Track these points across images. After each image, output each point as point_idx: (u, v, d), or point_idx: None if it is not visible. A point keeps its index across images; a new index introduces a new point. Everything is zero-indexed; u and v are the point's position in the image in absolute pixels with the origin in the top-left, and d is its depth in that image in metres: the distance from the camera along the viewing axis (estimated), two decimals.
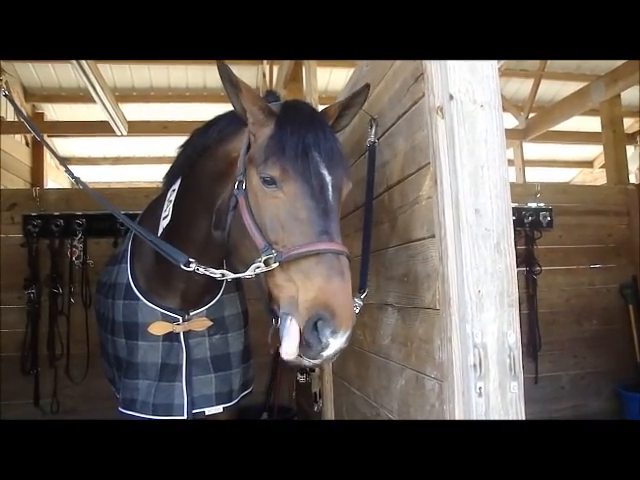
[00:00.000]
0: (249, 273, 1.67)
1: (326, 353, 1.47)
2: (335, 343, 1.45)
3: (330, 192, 1.64)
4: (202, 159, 2.06)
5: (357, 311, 1.79)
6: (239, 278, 1.82)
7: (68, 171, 2.26)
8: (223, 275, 1.86)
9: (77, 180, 2.25)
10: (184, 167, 2.19)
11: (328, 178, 1.65)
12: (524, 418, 1.45)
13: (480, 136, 1.50)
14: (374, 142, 2.08)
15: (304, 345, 1.48)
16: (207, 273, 1.86)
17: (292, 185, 1.61)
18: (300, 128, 1.67)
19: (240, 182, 1.77)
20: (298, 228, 1.59)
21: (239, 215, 1.77)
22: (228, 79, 1.73)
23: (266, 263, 1.60)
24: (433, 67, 1.58)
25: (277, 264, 1.57)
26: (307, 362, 1.55)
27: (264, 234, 1.66)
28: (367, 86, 1.97)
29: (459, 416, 1.47)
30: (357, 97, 1.97)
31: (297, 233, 1.58)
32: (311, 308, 1.46)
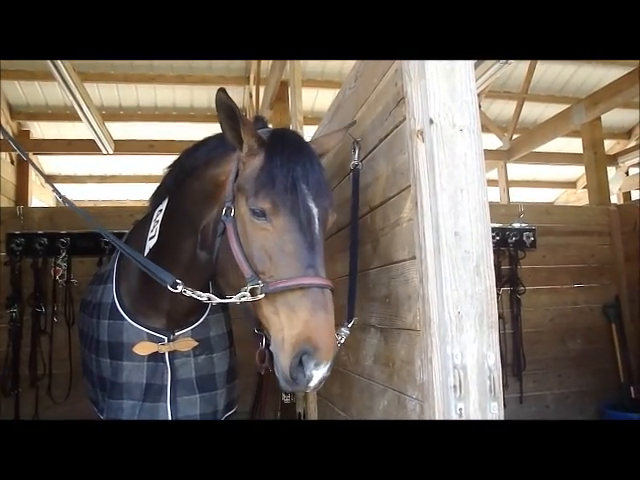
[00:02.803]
0: (234, 300, 1.71)
1: (312, 384, 1.55)
2: (318, 374, 1.53)
3: (317, 225, 1.69)
4: (189, 180, 2.08)
5: (343, 340, 1.85)
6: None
7: (55, 191, 2.27)
8: (209, 299, 1.88)
9: (64, 199, 2.25)
10: (171, 187, 2.21)
11: (315, 211, 1.70)
12: None
13: (459, 160, 1.53)
14: (357, 165, 2.10)
15: (291, 380, 1.55)
16: (194, 296, 1.87)
17: (281, 219, 1.66)
18: (289, 160, 1.71)
19: (228, 209, 1.80)
20: (285, 261, 1.64)
21: (227, 241, 1.79)
22: (229, 111, 1.74)
23: (252, 292, 1.65)
24: (414, 91, 1.61)
25: (263, 295, 1.62)
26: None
27: (251, 263, 1.70)
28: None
29: None
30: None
31: (284, 266, 1.63)
32: (296, 344, 1.53)
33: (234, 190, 1.81)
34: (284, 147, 1.76)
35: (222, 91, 1.71)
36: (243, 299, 1.67)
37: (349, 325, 1.91)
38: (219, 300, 1.87)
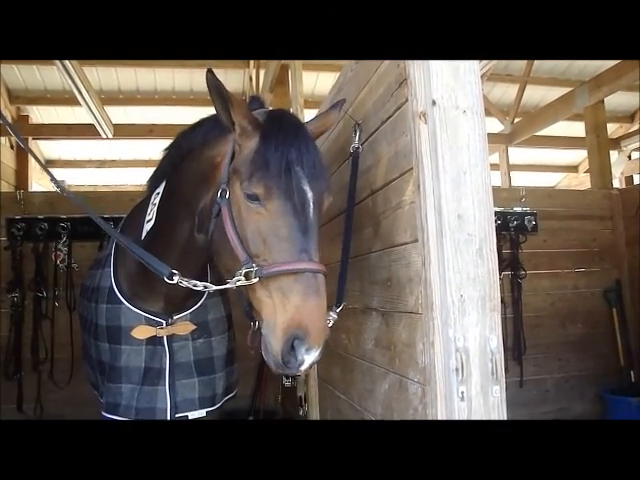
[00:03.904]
0: (230, 285, 1.72)
1: (303, 367, 1.57)
2: (309, 358, 1.56)
3: (311, 209, 1.68)
4: (186, 162, 2.07)
5: (330, 324, 1.84)
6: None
7: (53, 179, 2.25)
8: (205, 287, 1.89)
9: (62, 189, 2.24)
10: (168, 170, 2.20)
11: (309, 194, 1.68)
12: None
13: (462, 142, 1.51)
14: (358, 148, 2.08)
15: (283, 364, 1.57)
16: (189, 286, 1.87)
17: (275, 203, 1.65)
18: (284, 143, 1.69)
19: (223, 191, 1.79)
20: (279, 245, 1.64)
21: (221, 224, 1.79)
22: (218, 92, 1.73)
23: (247, 276, 1.65)
24: (416, 72, 1.59)
25: (257, 279, 1.63)
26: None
27: (245, 247, 1.70)
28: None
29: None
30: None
31: (278, 250, 1.63)
32: (287, 329, 1.55)
33: (230, 172, 1.80)
34: (280, 129, 1.73)
35: (210, 72, 1.70)
36: (239, 283, 1.66)
37: (337, 310, 1.91)
38: (215, 287, 1.88)
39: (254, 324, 1.77)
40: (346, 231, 2.05)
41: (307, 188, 1.68)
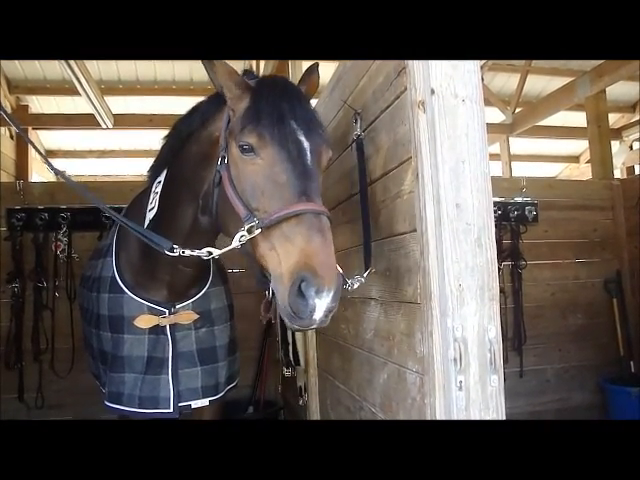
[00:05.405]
0: (234, 244, 1.68)
1: (316, 316, 1.45)
2: (321, 303, 1.43)
3: (308, 156, 1.64)
4: (187, 145, 2.07)
5: (356, 286, 1.79)
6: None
7: (50, 165, 2.25)
8: (210, 253, 1.85)
9: (60, 174, 2.24)
10: (169, 157, 2.20)
11: (306, 143, 1.65)
12: (504, 411, 1.46)
13: (461, 131, 1.50)
14: (360, 135, 2.07)
15: (293, 314, 1.47)
16: (193, 254, 1.85)
17: (269, 150, 1.63)
18: (275, 97, 1.69)
19: (223, 157, 1.79)
20: (277, 192, 1.60)
21: (223, 189, 1.78)
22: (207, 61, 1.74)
23: (249, 231, 1.61)
24: (415, 61, 1.58)
25: (259, 230, 1.58)
26: (301, 328, 1.55)
27: (245, 203, 1.67)
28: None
29: (439, 409, 1.47)
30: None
31: (277, 197, 1.59)
32: (293, 272, 1.45)
33: (226, 137, 1.80)
34: (271, 87, 1.74)
35: None
36: (242, 239, 1.62)
37: (365, 274, 1.85)
38: (220, 251, 1.84)
39: (268, 293, 1.67)
40: (362, 205, 1.98)
41: (303, 138, 1.65)
